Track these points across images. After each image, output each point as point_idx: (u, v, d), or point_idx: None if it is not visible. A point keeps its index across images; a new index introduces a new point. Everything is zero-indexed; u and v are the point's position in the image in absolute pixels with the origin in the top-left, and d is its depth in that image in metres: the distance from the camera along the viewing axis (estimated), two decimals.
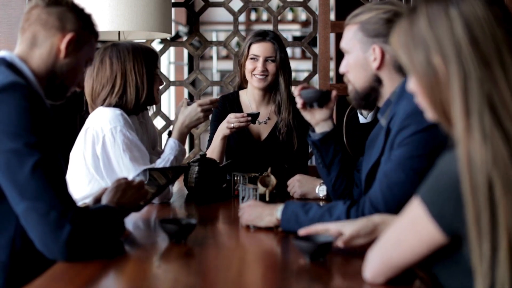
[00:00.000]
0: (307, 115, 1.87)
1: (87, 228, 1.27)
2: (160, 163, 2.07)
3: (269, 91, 2.61)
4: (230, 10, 3.24)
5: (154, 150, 2.30)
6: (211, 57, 7.83)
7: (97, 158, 2.00)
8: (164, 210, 1.95)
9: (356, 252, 1.32)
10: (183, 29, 6.33)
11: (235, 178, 2.19)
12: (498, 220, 0.94)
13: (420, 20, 1.04)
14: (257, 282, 1.21)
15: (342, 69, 1.69)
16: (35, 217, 1.23)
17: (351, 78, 1.67)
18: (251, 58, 2.55)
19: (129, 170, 1.96)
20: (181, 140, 2.17)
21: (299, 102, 1.84)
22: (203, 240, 1.50)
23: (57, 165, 1.30)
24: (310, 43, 3.32)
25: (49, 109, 1.35)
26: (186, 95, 6.45)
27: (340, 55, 2.03)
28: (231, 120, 2.36)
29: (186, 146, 2.45)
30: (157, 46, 3.51)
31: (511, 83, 0.98)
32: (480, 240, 0.95)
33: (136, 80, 2.07)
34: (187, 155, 2.97)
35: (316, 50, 3.17)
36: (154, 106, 2.30)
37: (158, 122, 3.21)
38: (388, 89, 1.61)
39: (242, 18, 7.36)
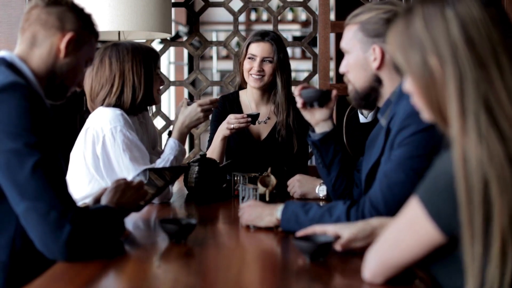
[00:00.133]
0: (307, 115, 1.87)
1: (87, 228, 1.27)
2: (160, 163, 2.07)
3: (268, 91, 2.61)
4: (230, 10, 3.24)
5: (154, 150, 2.30)
6: (211, 57, 7.83)
7: (97, 158, 2.00)
8: (164, 210, 1.95)
9: (356, 252, 1.32)
10: (183, 29, 6.33)
11: (235, 178, 2.19)
12: (493, 220, 0.94)
13: (416, 21, 1.04)
14: (257, 282, 1.21)
15: (342, 69, 1.69)
16: (35, 217, 1.23)
17: (351, 78, 1.67)
18: (249, 58, 2.56)
19: (129, 170, 1.96)
20: (181, 140, 2.17)
21: (299, 101, 1.85)
22: (203, 240, 1.50)
23: (57, 165, 1.30)
24: (310, 43, 3.32)
25: (49, 109, 1.35)
26: (186, 95, 6.45)
27: (340, 55, 2.03)
28: (231, 121, 2.36)
29: (186, 146, 2.45)
30: (157, 46, 3.51)
31: (507, 83, 0.98)
32: (472, 240, 0.95)
33: (134, 80, 2.07)
34: (187, 155, 2.97)
35: (316, 50, 3.17)
36: (154, 106, 2.30)
37: (158, 122, 3.21)
38: (388, 89, 1.61)
39: (242, 18, 7.36)
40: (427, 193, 1.01)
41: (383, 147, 1.55)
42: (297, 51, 7.92)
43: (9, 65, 1.39)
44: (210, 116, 2.56)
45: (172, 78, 6.51)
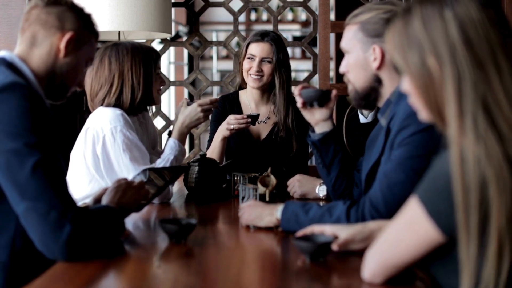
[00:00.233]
0: (307, 115, 1.87)
1: (87, 228, 1.27)
2: (160, 163, 2.07)
3: (267, 91, 2.61)
4: (230, 10, 3.24)
5: (154, 150, 2.30)
6: (211, 57, 7.83)
7: (97, 158, 2.00)
8: (164, 210, 1.95)
9: (356, 252, 1.32)
10: (183, 29, 6.33)
11: (235, 178, 2.19)
12: (489, 220, 0.94)
13: (415, 21, 1.04)
14: (257, 282, 1.21)
15: (342, 69, 1.69)
16: (35, 217, 1.23)
17: (351, 78, 1.67)
18: (248, 58, 2.56)
19: (129, 170, 1.96)
20: (181, 140, 2.17)
21: (299, 101, 1.84)
22: (203, 240, 1.50)
23: (57, 165, 1.30)
24: (310, 43, 3.32)
25: (49, 109, 1.35)
26: (186, 95, 6.45)
27: (340, 55, 2.03)
28: (231, 122, 2.36)
29: (186, 146, 2.45)
30: (157, 46, 3.51)
31: (505, 84, 0.98)
32: (468, 239, 0.95)
33: (133, 80, 2.07)
34: (187, 155, 2.97)
35: (316, 50, 3.17)
36: (154, 106, 2.30)
37: (158, 122, 3.21)
38: (388, 89, 1.61)
39: (242, 18, 7.36)
40: (426, 193, 1.01)
41: (383, 147, 1.55)
42: (297, 51, 7.92)
43: (9, 65, 1.39)
44: (210, 116, 2.56)
45: (172, 78, 6.51)
